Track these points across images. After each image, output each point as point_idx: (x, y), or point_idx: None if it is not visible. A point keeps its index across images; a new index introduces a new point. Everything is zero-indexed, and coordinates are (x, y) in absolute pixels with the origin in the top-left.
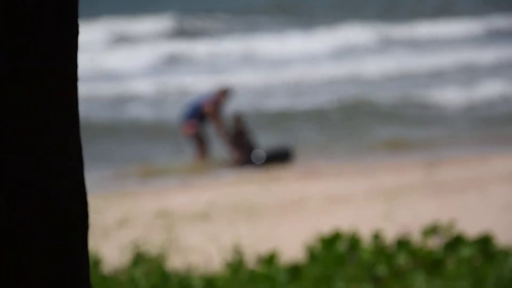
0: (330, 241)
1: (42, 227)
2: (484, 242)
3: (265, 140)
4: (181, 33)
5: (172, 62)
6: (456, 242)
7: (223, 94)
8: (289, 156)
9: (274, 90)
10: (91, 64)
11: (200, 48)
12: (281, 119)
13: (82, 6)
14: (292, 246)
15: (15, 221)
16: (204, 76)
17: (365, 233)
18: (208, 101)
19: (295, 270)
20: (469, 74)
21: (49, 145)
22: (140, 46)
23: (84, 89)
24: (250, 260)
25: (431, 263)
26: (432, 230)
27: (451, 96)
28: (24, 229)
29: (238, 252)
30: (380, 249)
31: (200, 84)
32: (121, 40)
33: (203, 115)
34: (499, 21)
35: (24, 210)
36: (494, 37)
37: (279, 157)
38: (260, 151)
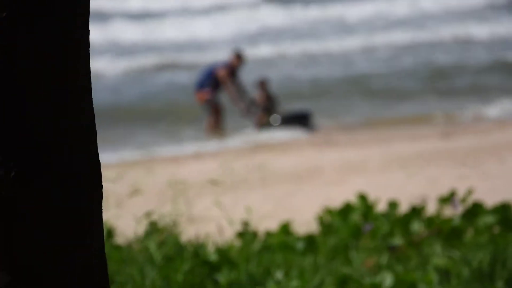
0: (345, 210)
1: (56, 195)
2: (503, 211)
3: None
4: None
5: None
6: (474, 210)
7: (236, 59)
8: (309, 120)
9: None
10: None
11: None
12: (313, 86)
13: None
14: (307, 215)
15: (31, 188)
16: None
17: (381, 202)
18: (221, 66)
19: (310, 240)
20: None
21: (63, 115)
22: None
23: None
24: (265, 229)
25: (448, 232)
26: (449, 199)
27: None
28: (38, 197)
29: (252, 222)
30: (395, 218)
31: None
32: None
33: (217, 81)
34: None
35: (39, 177)
36: None
37: (300, 121)
38: (282, 115)
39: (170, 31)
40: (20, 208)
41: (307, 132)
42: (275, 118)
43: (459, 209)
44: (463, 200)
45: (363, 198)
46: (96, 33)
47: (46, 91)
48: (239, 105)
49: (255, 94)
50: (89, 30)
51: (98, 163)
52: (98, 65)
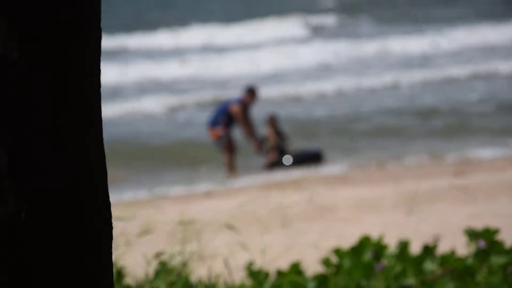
0: (357, 249)
1: (65, 233)
2: None
3: (298, 144)
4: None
5: None
6: (488, 249)
7: (249, 95)
8: (320, 158)
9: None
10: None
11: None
12: (311, 125)
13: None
14: (319, 254)
15: (39, 226)
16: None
17: (393, 240)
18: (234, 103)
19: (322, 280)
20: None
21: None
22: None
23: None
24: (276, 268)
25: (461, 271)
26: (463, 237)
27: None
28: (46, 235)
29: (264, 261)
30: (408, 257)
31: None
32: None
33: (230, 117)
34: None
35: (49, 224)
36: None
37: (310, 159)
38: (293, 154)
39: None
40: (29, 248)
41: (318, 170)
42: (287, 158)
43: (483, 245)
44: (477, 239)
45: (375, 237)
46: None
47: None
48: (253, 141)
49: (264, 130)
50: (100, 71)
51: (107, 202)
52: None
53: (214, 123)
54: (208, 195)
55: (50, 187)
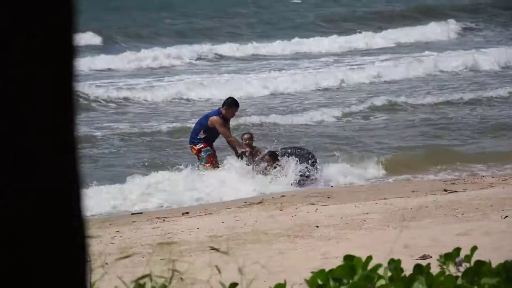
0: (344, 269)
1: (40, 259)
2: (508, 270)
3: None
4: None
5: None
6: (477, 270)
7: (228, 107)
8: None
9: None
10: None
11: None
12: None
13: None
14: (303, 275)
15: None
16: None
17: (379, 260)
18: (213, 115)
19: None
20: None
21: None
22: None
23: None
24: None
25: None
26: (453, 257)
27: None
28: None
29: (244, 282)
30: (397, 277)
31: None
32: None
33: (211, 131)
34: None
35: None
36: None
37: (306, 159)
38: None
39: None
40: (29, 248)
41: (302, 186)
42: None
43: (462, 268)
44: (467, 258)
45: (365, 257)
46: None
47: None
48: (238, 146)
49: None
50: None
51: (82, 220)
52: None
53: (193, 137)
54: (186, 212)
55: (50, 187)
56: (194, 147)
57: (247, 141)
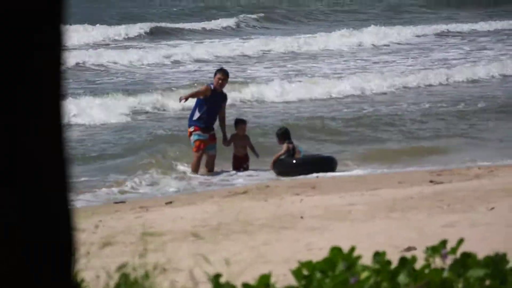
0: (329, 261)
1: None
2: (495, 262)
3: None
4: None
5: None
6: (464, 262)
7: (217, 77)
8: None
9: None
10: None
11: None
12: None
13: None
14: (287, 266)
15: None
16: None
17: (364, 251)
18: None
19: None
20: None
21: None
22: None
23: None
24: (242, 281)
25: (437, 285)
26: (439, 250)
27: None
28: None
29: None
30: (382, 269)
31: None
32: None
33: (200, 104)
34: None
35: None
36: None
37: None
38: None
39: None
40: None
41: (285, 176)
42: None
43: (448, 261)
44: (453, 251)
45: (348, 248)
46: None
47: None
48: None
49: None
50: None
51: (69, 210)
52: None
53: (188, 123)
54: (169, 202)
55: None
56: (189, 129)
57: (240, 128)
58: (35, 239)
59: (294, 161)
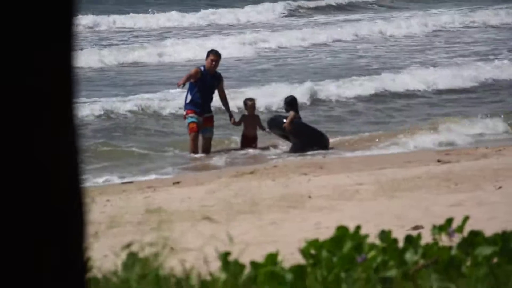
0: (336, 240)
1: (36, 226)
2: (503, 240)
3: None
4: None
5: None
6: (472, 240)
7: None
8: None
9: None
10: None
11: None
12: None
13: None
14: (295, 245)
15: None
16: None
17: (372, 230)
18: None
19: (299, 271)
20: None
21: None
22: None
23: None
24: (251, 260)
25: (445, 263)
26: (445, 228)
27: None
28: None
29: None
30: (389, 248)
31: None
32: None
33: (192, 87)
34: None
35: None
36: None
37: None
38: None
39: None
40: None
41: (292, 155)
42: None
43: (455, 239)
44: (459, 229)
45: (354, 227)
46: None
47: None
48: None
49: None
50: None
51: (80, 192)
52: None
53: (184, 107)
54: (177, 182)
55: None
56: (183, 113)
57: (250, 107)
58: (46, 235)
59: (284, 121)
